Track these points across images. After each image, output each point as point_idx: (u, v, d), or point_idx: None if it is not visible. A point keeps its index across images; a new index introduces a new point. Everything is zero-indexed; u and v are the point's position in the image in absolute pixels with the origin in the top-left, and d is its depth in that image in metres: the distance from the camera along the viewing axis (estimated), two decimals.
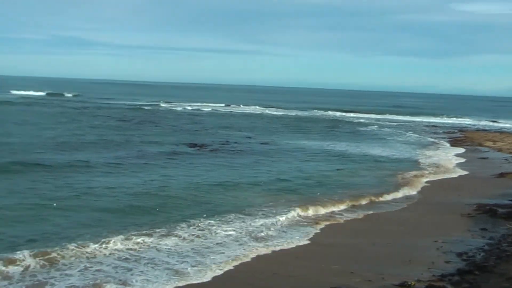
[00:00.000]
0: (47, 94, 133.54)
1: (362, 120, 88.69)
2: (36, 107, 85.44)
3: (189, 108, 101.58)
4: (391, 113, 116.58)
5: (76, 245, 17.39)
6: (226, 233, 19.86)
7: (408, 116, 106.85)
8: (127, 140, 46.05)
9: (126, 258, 16.83)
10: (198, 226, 20.60)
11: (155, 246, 18.04)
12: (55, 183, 27.00)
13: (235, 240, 19.19)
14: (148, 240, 18.52)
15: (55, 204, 22.61)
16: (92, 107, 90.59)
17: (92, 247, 17.42)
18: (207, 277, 15.64)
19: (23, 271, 15.27)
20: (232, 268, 16.51)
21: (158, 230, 19.61)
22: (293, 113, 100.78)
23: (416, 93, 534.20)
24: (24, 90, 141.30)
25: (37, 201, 23.18)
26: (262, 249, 18.41)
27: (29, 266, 15.57)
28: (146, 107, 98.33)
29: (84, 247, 17.33)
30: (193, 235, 19.47)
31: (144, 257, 16.98)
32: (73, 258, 16.46)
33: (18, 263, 15.64)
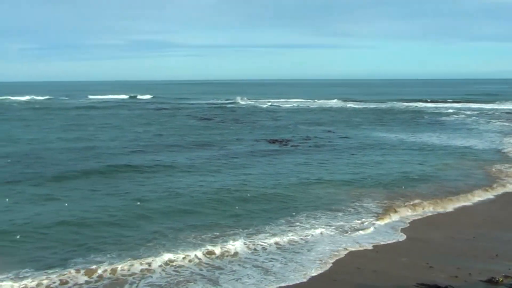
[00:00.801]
0: (126, 97, 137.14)
1: (443, 110, 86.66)
2: (116, 110, 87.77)
3: (269, 104, 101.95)
4: (474, 101, 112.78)
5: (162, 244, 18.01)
6: (316, 230, 19.77)
7: (491, 104, 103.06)
8: (209, 139, 46.67)
9: (216, 257, 17.09)
10: (287, 224, 20.66)
11: (245, 245, 18.10)
12: (143, 185, 27.63)
13: (326, 237, 19.12)
14: (236, 238, 18.64)
15: (138, 203, 23.26)
16: (171, 108, 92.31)
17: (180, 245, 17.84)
18: (303, 277, 15.58)
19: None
20: (327, 266, 16.39)
21: (244, 230, 19.79)
22: (372, 105, 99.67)
23: (501, 79, 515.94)
24: (103, 94, 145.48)
25: (128, 203, 23.76)
26: (354, 246, 18.32)
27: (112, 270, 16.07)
28: (225, 105, 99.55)
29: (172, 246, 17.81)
30: (282, 233, 19.45)
31: (233, 256, 17.19)
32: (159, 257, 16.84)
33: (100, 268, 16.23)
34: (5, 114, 78.54)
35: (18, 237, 18.93)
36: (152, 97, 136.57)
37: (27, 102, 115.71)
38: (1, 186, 26.97)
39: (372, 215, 22.12)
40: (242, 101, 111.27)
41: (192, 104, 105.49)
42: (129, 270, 15.83)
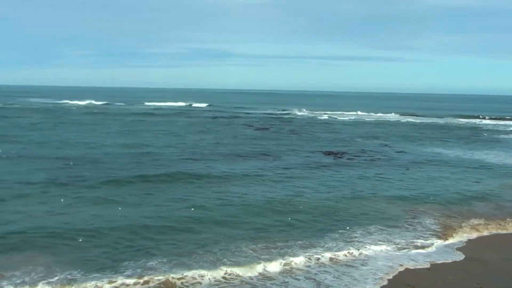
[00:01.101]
0: (183, 104, 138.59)
1: (502, 128, 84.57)
2: (172, 117, 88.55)
3: (326, 116, 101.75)
4: None
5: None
6: (371, 245, 19.54)
7: None
8: (264, 149, 46.62)
9: (268, 267, 16.94)
10: (341, 237, 20.46)
11: (297, 257, 17.91)
12: (197, 192, 27.76)
13: (381, 253, 18.89)
14: (288, 249, 18.58)
15: (192, 210, 23.32)
16: (227, 117, 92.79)
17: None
18: None
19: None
20: (381, 282, 16.18)
21: (297, 241, 19.63)
22: (429, 120, 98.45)
23: None
24: (159, 101, 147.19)
25: (182, 209, 23.93)
26: (410, 263, 18.02)
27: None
28: (281, 116, 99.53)
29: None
30: (336, 246, 19.28)
31: (285, 267, 17.10)
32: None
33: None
34: (64, 117, 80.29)
35: (71, 238, 19.28)
36: (208, 105, 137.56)
37: (85, 106, 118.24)
38: (59, 188, 27.54)
39: (429, 232, 21.70)
40: (299, 112, 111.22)
41: (248, 113, 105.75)
42: (180, 279, 15.88)
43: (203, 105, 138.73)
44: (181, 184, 29.76)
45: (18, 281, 15.30)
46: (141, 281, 15.59)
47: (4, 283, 15.25)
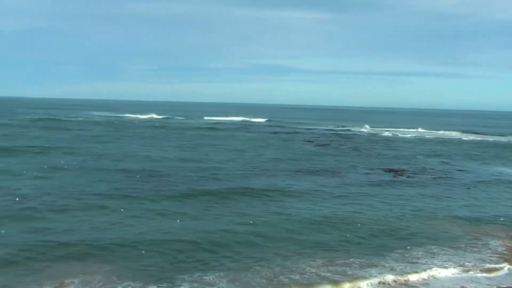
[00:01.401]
0: (240, 119, 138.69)
1: None
2: (231, 132, 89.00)
3: (387, 133, 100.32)
4: None
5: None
6: (436, 268, 18.96)
7: None
8: (324, 165, 46.30)
9: (325, 286, 16.86)
10: (402, 257, 20.06)
11: (356, 278, 17.68)
12: (256, 207, 27.87)
13: (448, 276, 18.43)
14: (346, 267, 18.38)
15: (250, 224, 23.43)
16: (287, 132, 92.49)
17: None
18: None
19: None
20: None
21: (356, 260, 19.36)
22: (491, 138, 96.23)
23: None
24: (218, 116, 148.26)
25: (240, 224, 24.04)
26: (476, 286, 17.56)
27: None
28: (341, 132, 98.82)
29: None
30: (398, 266, 18.89)
31: (344, 285, 16.96)
32: None
33: None
34: (126, 131, 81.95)
35: (130, 249, 19.62)
36: (267, 120, 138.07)
37: (147, 120, 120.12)
38: (120, 199, 28.06)
39: (496, 255, 21.02)
40: (360, 129, 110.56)
41: (308, 129, 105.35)
42: None
43: (262, 120, 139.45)
44: (240, 199, 29.86)
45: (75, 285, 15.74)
46: None
47: None
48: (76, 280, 16.34)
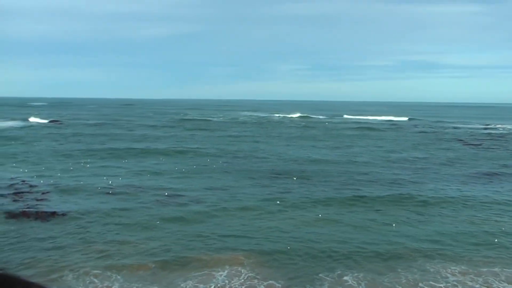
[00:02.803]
0: (389, 119, 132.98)
1: None
2: (384, 132, 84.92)
3: None
4: None
5: None
6: None
7: None
8: (492, 167, 43.55)
9: None
10: None
11: None
12: (429, 217, 26.26)
13: None
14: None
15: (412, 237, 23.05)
16: (434, 131, 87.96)
17: None
18: None
19: None
20: None
21: None
22: None
23: None
24: (368, 115, 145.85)
25: (399, 235, 23.23)
26: None
27: None
28: (494, 131, 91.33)
29: None
30: None
31: None
32: None
33: None
34: (274, 130, 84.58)
35: (275, 245, 20.51)
36: (408, 119, 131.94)
37: (294, 119, 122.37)
38: (270, 202, 28.61)
39: None
40: None
41: (456, 127, 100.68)
42: None
43: (405, 118, 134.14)
44: (407, 207, 28.32)
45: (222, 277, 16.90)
46: None
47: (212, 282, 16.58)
48: (223, 272, 17.49)
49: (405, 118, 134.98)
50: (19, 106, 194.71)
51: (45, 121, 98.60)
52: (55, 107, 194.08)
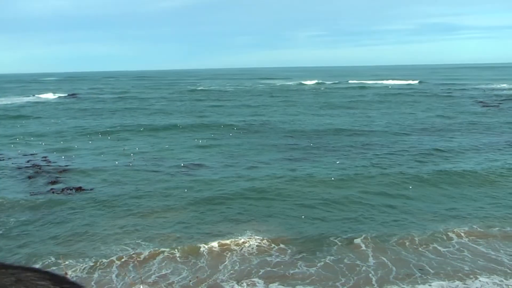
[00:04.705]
0: (412, 83, 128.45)
1: None
2: (403, 97, 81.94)
3: None
4: None
5: None
6: None
7: None
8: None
9: None
10: None
11: None
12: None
13: None
14: None
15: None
16: (454, 95, 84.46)
17: None
18: None
19: None
20: None
21: None
22: None
23: None
24: (381, 79, 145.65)
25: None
26: None
27: None
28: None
29: None
30: None
31: None
32: None
33: None
34: (293, 97, 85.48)
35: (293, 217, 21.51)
36: (418, 82, 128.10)
37: (313, 87, 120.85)
38: (294, 162, 29.38)
39: None
40: None
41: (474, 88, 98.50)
42: None
43: (415, 82, 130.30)
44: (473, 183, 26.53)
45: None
46: None
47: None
48: (242, 239, 18.50)
49: (426, 81, 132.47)
50: (35, 82, 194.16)
51: (63, 94, 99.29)
52: (70, 82, 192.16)
